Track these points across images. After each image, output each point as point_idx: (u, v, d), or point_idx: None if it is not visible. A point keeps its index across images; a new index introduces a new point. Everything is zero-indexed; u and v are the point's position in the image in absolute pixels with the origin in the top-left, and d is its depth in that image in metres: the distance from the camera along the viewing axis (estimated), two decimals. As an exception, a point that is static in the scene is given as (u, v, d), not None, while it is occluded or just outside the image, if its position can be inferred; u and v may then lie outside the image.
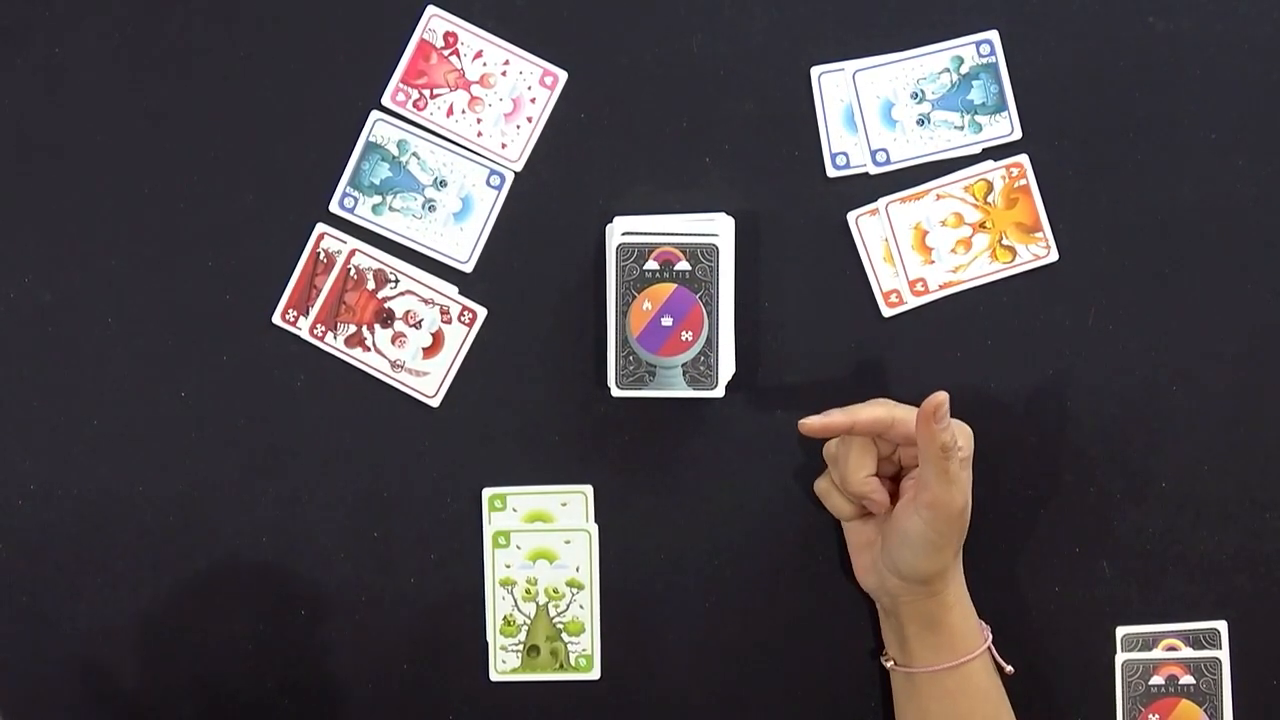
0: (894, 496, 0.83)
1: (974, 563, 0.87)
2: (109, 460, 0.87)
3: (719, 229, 0.85)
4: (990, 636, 0.84)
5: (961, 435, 0.81)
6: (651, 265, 0.84)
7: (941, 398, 0.77)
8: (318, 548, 0.88)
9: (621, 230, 0.85)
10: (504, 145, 0.88)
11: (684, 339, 0.84)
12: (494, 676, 0.88)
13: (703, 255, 0.84)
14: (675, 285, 0.84)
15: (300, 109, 0.87)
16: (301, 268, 0.87)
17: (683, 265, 0.84)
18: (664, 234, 0.84)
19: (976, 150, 0.88)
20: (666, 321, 0.84)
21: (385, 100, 0.87)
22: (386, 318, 0.88)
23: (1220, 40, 0.88)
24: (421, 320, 0.88)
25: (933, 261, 0.88)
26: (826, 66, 0.88)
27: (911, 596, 0.83)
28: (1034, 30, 0.88)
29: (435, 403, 0.88)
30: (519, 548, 0.88)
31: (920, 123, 0.88)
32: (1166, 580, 0.89)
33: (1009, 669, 0.84)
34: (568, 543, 0.88)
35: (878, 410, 0.81)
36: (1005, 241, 0.88)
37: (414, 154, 0.87)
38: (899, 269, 0.88)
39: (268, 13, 0.87)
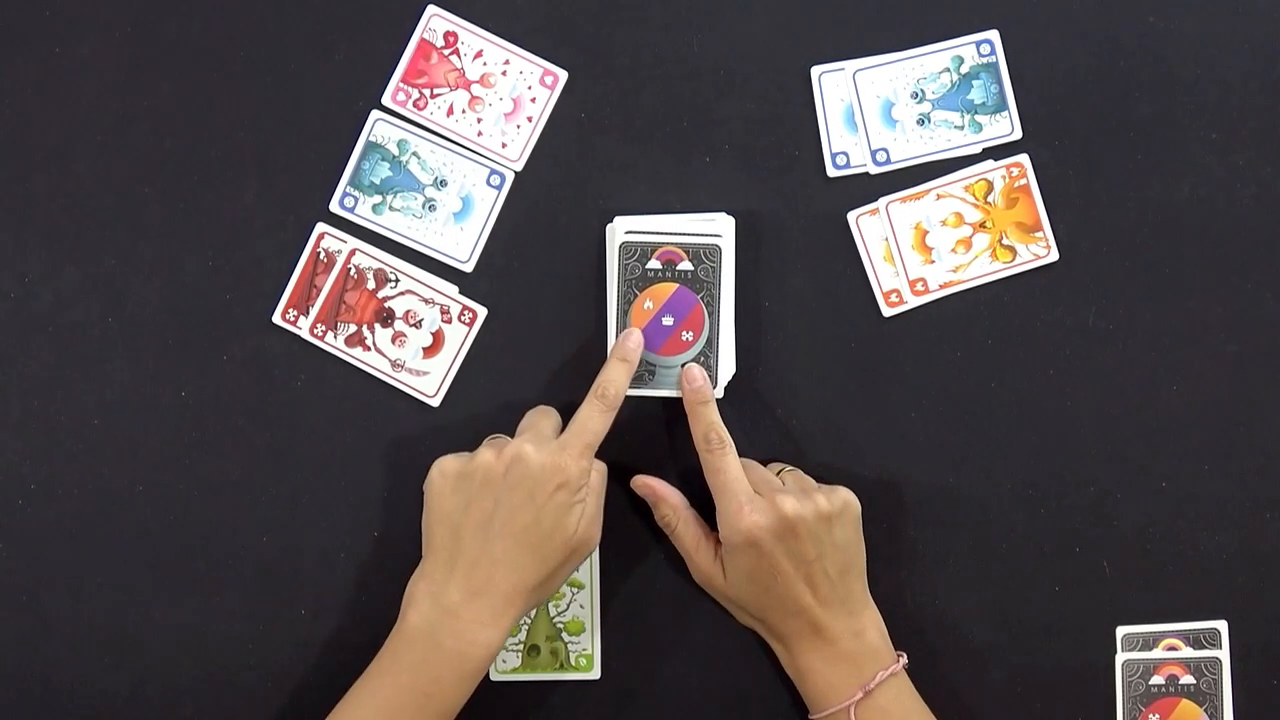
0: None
1: (976, 562, 0.88)
2: (109, 460, 0.87)
3: (721, 229, 0.85)
4: (858, 697, 0.81)
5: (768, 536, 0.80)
6: (654, 264, 0.84)
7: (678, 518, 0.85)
8: (318, 548, 0.88)
9: (624, 229, 0.85)
10: (504, 145, 0.88)
11: (684, 339, 0.84)
12: (494, 676, 0.88)
13: (705, 255, 0.84)
14: (677, 285, 0.84)
15: (300, 109, 0.87)
16: (301, 267, 0.87)
17: (685, 265, 0.84)
18: (667, 233, 0.84)
19: (976, 150, 0.88)
20: (667, 321, 0.84)
21: (385, 100, 0.87)
22: (386, 317, 0.88)
23: (1220, 40, 0.88)
24: (421, 320, 0.87)
25: (933, 261, 0.88)
26: (826, 66, 0.88)
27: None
28: (1034, 30, 0.88)
29: (435, 403, 0.88)
30: (519, 548, 0.88)
31: (920, 122, 0.88)
32: (1166, 580, 0.89)
33: None
34: (568, 543, 0.88)
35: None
36: (1005, 241, 0.88)
37: (414, 153, 0.87)
38: (899, 269, 0.88)
39: (268, 13, 0.87)
